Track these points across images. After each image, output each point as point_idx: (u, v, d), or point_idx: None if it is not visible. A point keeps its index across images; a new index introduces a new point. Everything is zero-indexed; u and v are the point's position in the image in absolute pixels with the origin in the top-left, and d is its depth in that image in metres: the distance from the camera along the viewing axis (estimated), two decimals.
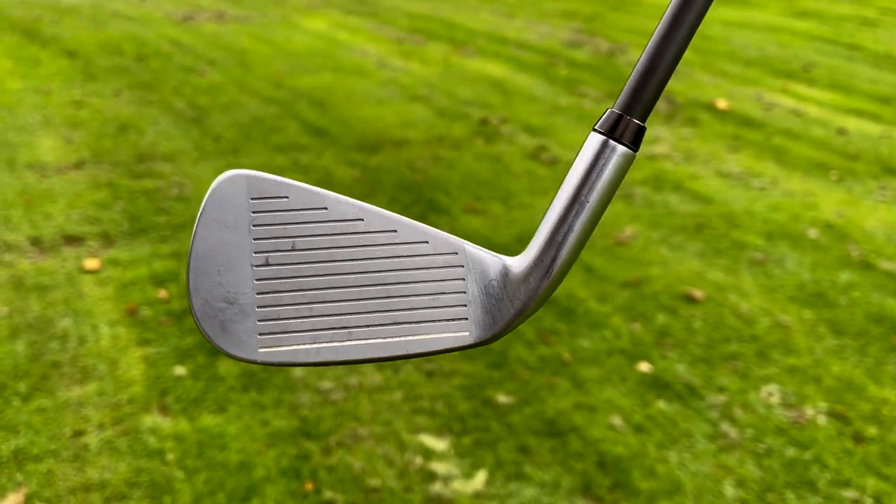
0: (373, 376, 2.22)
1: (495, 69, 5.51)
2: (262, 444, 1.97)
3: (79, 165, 3.52)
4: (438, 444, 1.98)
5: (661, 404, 2.16)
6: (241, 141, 3.90)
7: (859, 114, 4.67)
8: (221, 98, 4.56)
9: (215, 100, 4.52)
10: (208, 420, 2.04)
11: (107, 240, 2.89)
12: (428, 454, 1.95)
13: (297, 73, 5.14)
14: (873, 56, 6.02)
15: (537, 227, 0.48)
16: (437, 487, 1.85)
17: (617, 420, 2.09)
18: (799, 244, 3.04)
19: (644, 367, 2.30)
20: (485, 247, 0.54)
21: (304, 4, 7.75)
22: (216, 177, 0.50)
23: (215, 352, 2.29)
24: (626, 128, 0.44)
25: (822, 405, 2.17)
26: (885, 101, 4.91)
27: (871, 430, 2.08)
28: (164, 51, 5.60)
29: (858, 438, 2.06)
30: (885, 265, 2.89)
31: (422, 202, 3.29)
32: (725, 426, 2.08)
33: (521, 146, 4.02)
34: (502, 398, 2.15)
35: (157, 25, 6.48)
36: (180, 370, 2.20)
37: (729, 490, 1.88)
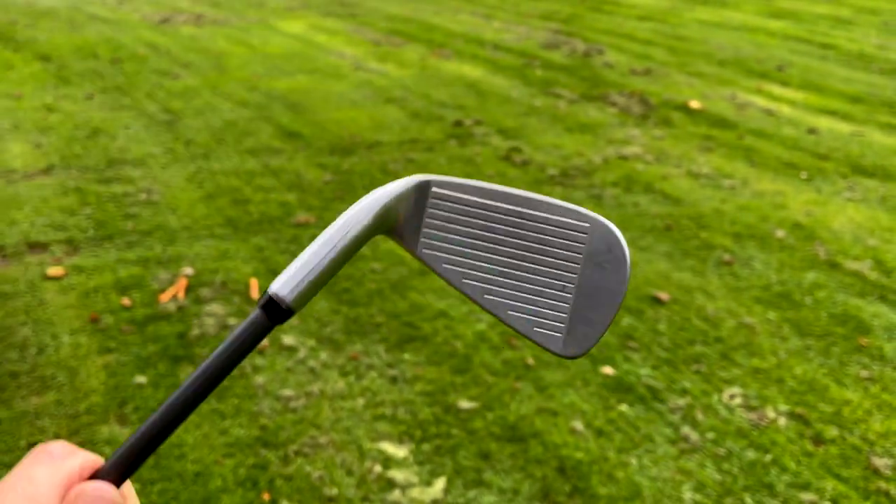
0: (335, 383, 2.21)
1: (471, 71, 5.50)
2: (219, 453, 1.95)
3: (47, 171, 3.49)
4: (399, 451, 1.98)
5: (623, 408, 2.16)
6: (212, 145, 3.88)
7: (831, 113, 4.70)
8: (195, 102, 4.54)
9: (189, 103, 4.50)
10: None
11: (72, 246, 2.86)
12: (387, 462, 1.94)
13: (272, 76, 5.12)
14: (847, 55, 6.06)
15: None
16: (395, 496, 1.84)
17: (578, 424, 2.09)
18: (766, 244, 3.05)
19: (607, 370, 2.30)
20: None
21: (282, 6, 7.72)
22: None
23: (177, 359, 2.27)
24: None
25: (784, 407, 2.18)
26: (856, 101, 4.94)
27: (832, 432, 2.09)
28: (139, 54, 5.56)
29: (818, 440, 2.06)
30: (851, 265, 2.91)
31: None
32: (686, 429, 2.08)
33: (494, 148, 4.02)
34: (465, 403, 2.15)
35: (134, 28, 6.44)
36: (141, 378, 2.19)
37: (688, 495, 1.88)
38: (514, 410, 2.13)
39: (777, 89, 5.15)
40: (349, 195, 3.36)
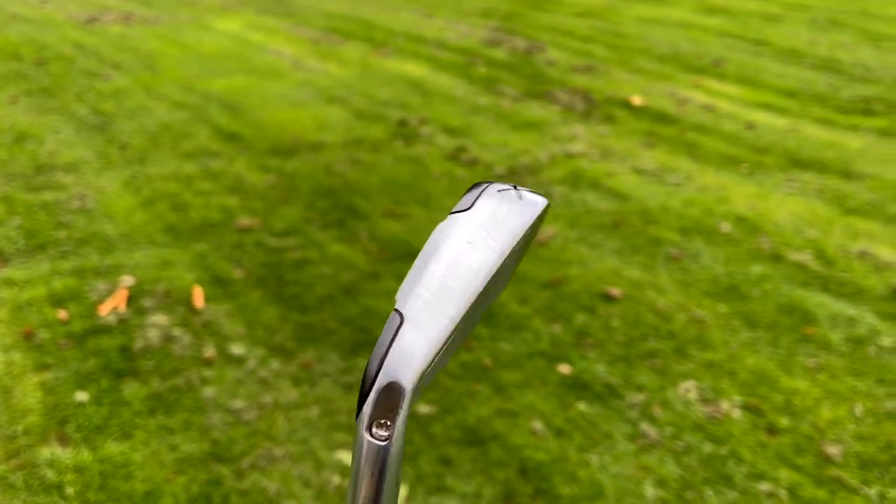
0: (288, 392, 2.14)
1: (414, 69, 5.46)
2: (170, 470, 1.87)
3: None
4: None
5: (582, 406, 2.15)
6: (148, 148, 3.74)
7: (767, 108, 4.81)
8: (128, 104, 4.37)
9: (121, 106, 4.33)
10: (112, 448, 1.92)
11: (1, 258, 2.71)
12: (346, 472, 1.89)
13: (208, 77, 4.97)
14: (779, 51, 6.23)
15: None
16: None
17: (538, 425, 2.07)
18: (713, 238, 3.10)
19: (564, 368, 2.29)
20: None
21: (216, 4, 7.53)
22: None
23: (120, 374, 2.17)
24: None
25: (738, 399, 2.20)
26: (791, 95, 5.08)
27: (784, 422, 2.12)
28: (66, 55, 5.33)
29: (772, 430, 2.09)
30: (794, 256, 2.97)
31: (340, 207, 3.21)
32: (645, 425, 2.09)
33: (440, 147, 3.99)
34: (423, 408, 2.11)
35: (60, 28, 6.18)
36: (82, 396, 2.08)
37: (649, 490, 1.88)
38: (473, 413, 2.10)
39: (715, 85, 5.25)
40: (294, 198, 3.27)
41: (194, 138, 3.91)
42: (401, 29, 6.76)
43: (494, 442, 2.00)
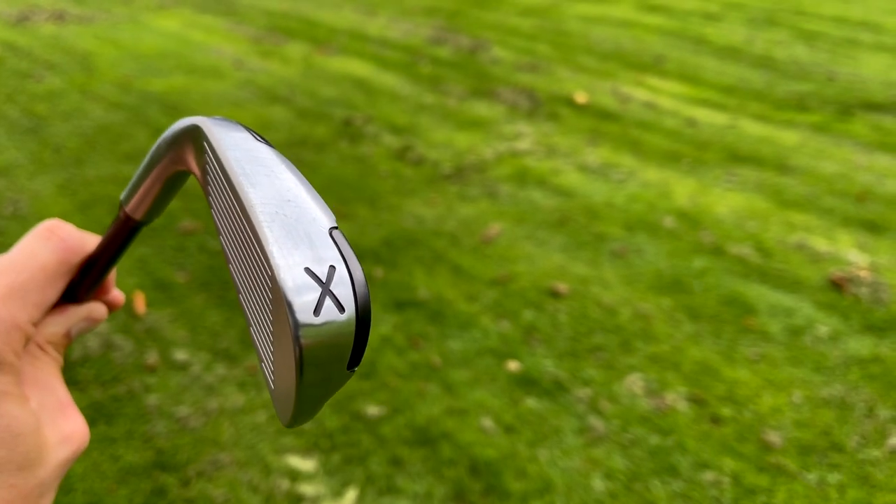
0: (234, 398, 2.10)
1: (358, 68, 5.42)
2: (112, 481, 1.82)
3: None
4: (306, 464, 1.90)
5: (531, 402, 2.16)
6: (84, 151, 3.63)
7: (707, 104, 4.92)
8: (62, 105, 4.24)
9: (55, 107, 4.20)
10: None
11: None
12: (295, 476, 1.86)
13: (147, 77, 4.85)
14: (718, 49, 6.38)
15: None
16: None
17: (488, 422, 2.08)
18: (656, 233, 3.15)
19: (513, 365, 2.30)
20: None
21: (154, 3, 7.36)
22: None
23: None
24: None
25: (682, 390, 2.25)
26: (729, 92, 5.20)
27: (726, 411, 2.17)
28: None
29: (715, 420, 2.14)
30: (734, 250, 3.05)
31: None
32: (592, 419, 2.11)
33: (386, 146, 3.97)
34: (372, 410, 2.10)
35: None
36: None
37: (598, 483, 1.91)
38: (422, 413, 2.10)
39: (656, 82, 5.35)
40: None
41: (133, 140, 3.81)
42: (344, 27, 6.71)
43: (445, 441, 2.00)
